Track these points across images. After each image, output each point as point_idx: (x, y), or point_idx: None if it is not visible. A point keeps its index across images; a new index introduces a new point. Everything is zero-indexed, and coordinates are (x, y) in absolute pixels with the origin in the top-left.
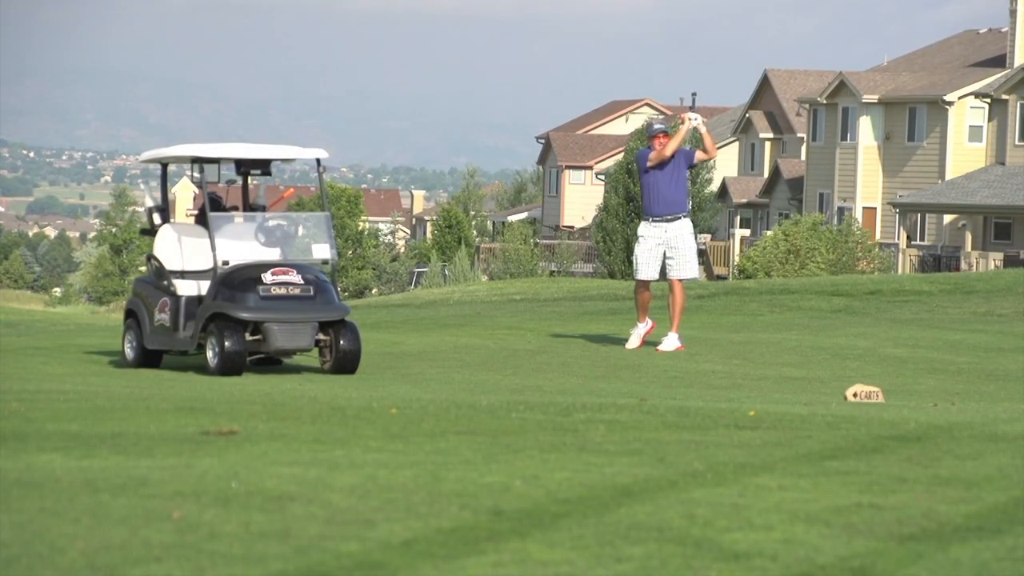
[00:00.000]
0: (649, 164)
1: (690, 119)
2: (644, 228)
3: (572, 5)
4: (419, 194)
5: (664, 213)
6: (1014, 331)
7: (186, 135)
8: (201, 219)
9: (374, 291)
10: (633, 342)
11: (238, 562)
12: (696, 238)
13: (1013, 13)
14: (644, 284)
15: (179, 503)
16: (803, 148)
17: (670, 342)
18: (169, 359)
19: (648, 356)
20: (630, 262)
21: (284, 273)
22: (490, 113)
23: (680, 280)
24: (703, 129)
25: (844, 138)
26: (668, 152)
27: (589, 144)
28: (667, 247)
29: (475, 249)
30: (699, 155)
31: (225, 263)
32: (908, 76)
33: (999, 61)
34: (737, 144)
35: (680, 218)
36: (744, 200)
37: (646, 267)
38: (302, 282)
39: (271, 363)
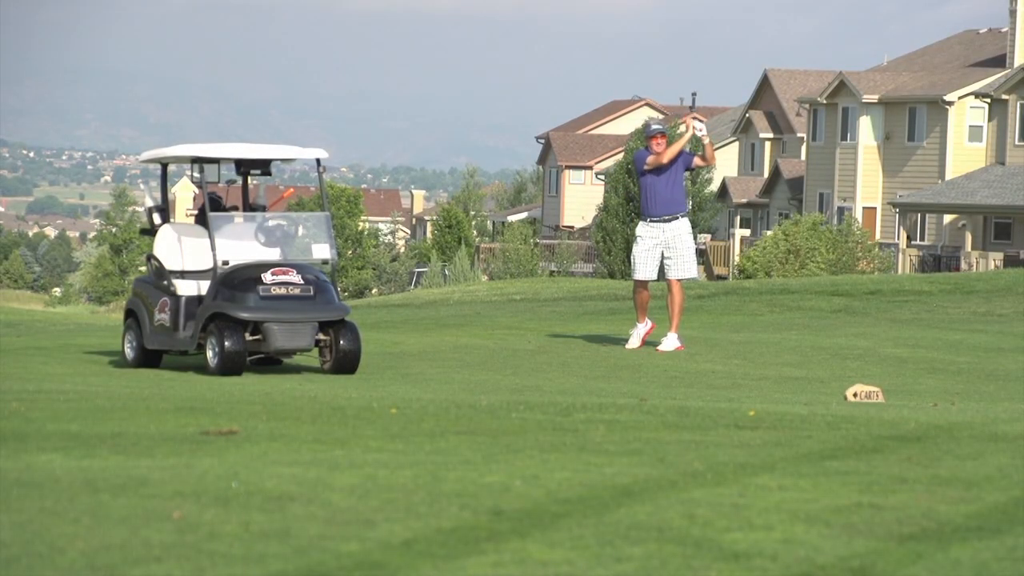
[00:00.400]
0: (646, 168)
1: (694, 127)
2: (642, 228)
3: (572, 5)
4: (419, 194)
5: (662, 214)
6: (1014, 331)
7: (186, 135)
8: (201, 219)
9: (374, 291)
10: (633, 342)
11: (238, 562)
12: (696, 238)
13: (1013, 13)
14: (643, 284)
15: (179, 503)
16: (803, 148)
17: (670, 342)
18: (169, 359)
19: (648, 356)
20: (630, 262)
21: (284, 273)
22: (490, 113)
23: (679, 280)
24: (707, 139)
25: (844, 138)
26: (665, 159)
27: (589, 144)
28: (665, 247)
29: (475, 249)
30: (697, 161)
31: (225, 263)
32: (908, 76)
33: (999, 61)
34: (737, 144)
35: (678, 218)
36: (744, 200)
37: (644, 267)
38: (302, 282)
39: (271, 363)
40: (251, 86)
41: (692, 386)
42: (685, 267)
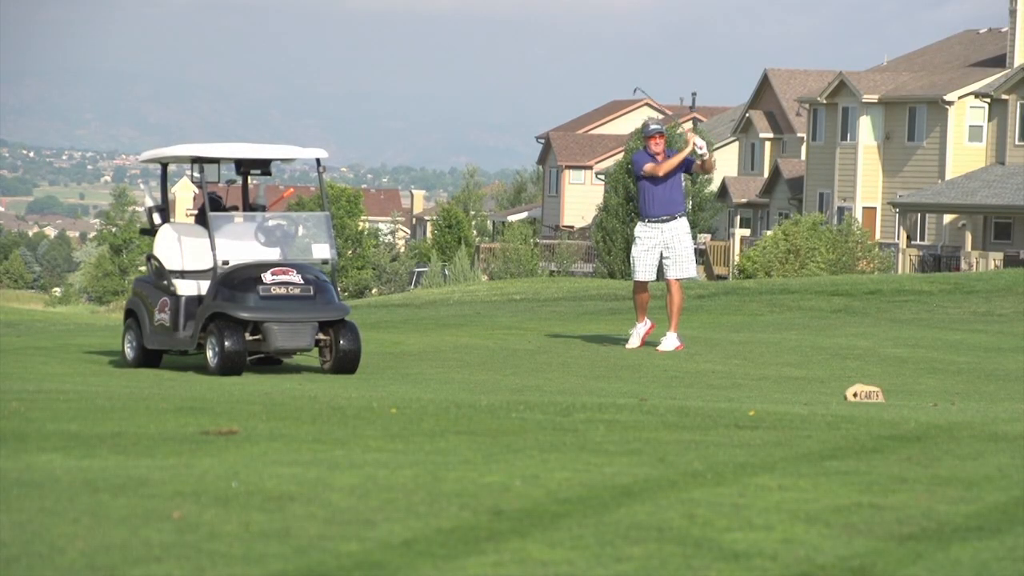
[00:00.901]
0: (643, 175)
1: (695, 144)
2: (640, 229)
3: (572, 5)
4: (419, 194)
5: (660, 214)
6: (1014, 331)
7: (186, 135)
8: (201, 219)
9: (374, 291)
10: (633, 342)
11: (238, 562)
12: (696, 238)
13: (1013, 13)
14: (642, 285)
15: (179, 503)
16: (803, 148)
17: (669, 342)
18: (169, 359)
19: (648, 356)
20: (630, 262)
21: (284, 273)
22: (490, 113)
23: (678, 280)
24: (707, 155)
25: (844, 138)
26: (661, 172)
27: (589, 144)
28: (664, 248)
29: (475, 249)
30: (696, 166)
31: (225, 263)
32: (908, 76)
33: (999, 61)
34: (737, 144)
35: (676, 218)
36: (744, 200)
37: (643, 268)
38: (302, 282)
39: (271, 363)
40: (251, 86)
41: (692, 386)
42: (684, 267)
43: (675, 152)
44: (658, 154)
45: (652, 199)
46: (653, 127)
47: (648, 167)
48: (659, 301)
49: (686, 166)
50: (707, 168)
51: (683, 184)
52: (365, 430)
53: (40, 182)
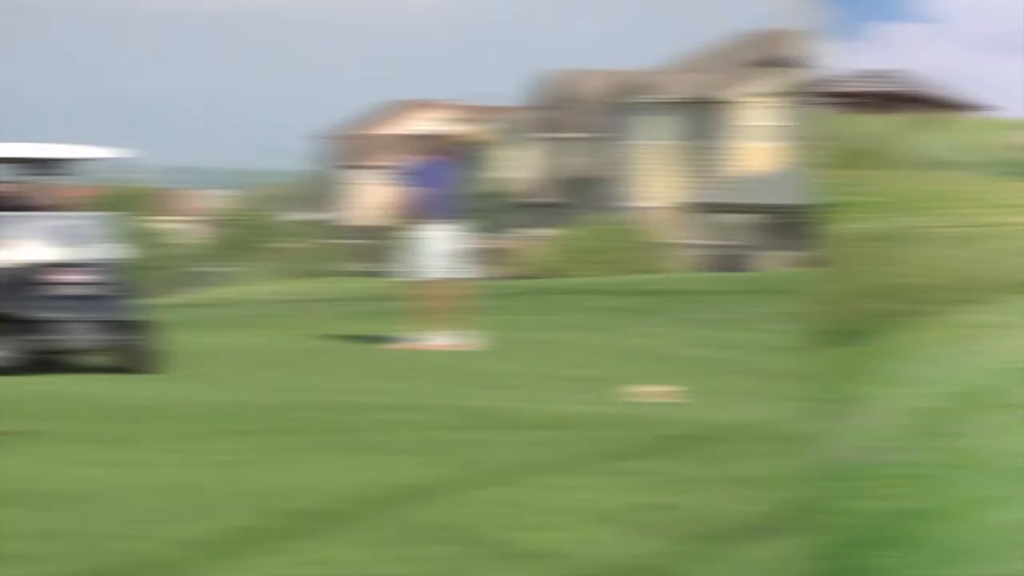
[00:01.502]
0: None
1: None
2: (417, 231)
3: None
4: (219, 193)
5: (436, 215)
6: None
7: None
8: None
9: (170, 291)
10: (416, 344)
11: (19, 562)
12: (485, 238)
13: (782, 16)
14: (424, 286)
15: None
16: (598, 148)
17: (450, 340)
18: None
19: (437, 356)
20: (410, 265)
21: (74, 272)
22: (281, 114)
23: (455, 279)
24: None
25: (639, 138)
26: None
27: (371, 145)
28: (441, 248)
29: (270, 249)
30: (453, 150)
31: (10, 263)
32: (699, 75)
33: (779, 61)
34: (533, 144)
35: (450, 219)
36: (539, 200)
37: (421, 269)
38: (93, 281)
39: (61, 363)
40: (40, 89)
41: (483, 387)
42: (460, 267)
43: (440, 157)
44: (427, 158)
45: (427, 200)
46: (428, 131)
47: (395, 192)
48: (444, 302)
49: (452, 162)
50: (464, 142)
51: (461, 183)
52: (160, 430)
53: None
